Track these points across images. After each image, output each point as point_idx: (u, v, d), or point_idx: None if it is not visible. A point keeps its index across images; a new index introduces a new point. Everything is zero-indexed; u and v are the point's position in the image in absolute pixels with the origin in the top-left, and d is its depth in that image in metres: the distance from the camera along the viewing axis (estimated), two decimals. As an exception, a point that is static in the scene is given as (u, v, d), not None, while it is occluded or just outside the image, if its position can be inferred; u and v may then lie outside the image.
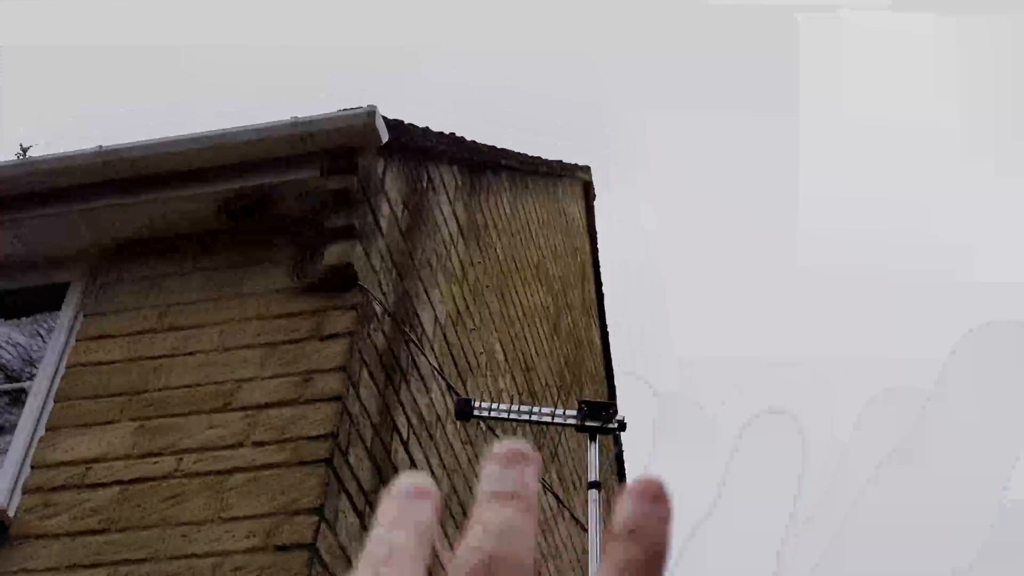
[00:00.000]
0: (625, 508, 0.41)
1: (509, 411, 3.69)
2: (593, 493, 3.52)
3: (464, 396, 5.34)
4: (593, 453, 3.58)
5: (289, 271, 5.06)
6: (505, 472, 0.44)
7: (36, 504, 4.56)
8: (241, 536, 4.26)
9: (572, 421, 3.65)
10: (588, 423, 3.62)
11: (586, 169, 11.01)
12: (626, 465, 11.13)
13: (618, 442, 3.59)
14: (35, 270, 5.53)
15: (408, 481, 0.44)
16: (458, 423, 6.21)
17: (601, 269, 11.49)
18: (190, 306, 5.13)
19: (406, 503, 0.43)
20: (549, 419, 3.71)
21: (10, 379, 5.34)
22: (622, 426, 3.64)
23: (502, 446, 0.44)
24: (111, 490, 4.53)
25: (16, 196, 5.39)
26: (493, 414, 3.68)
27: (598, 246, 11.40)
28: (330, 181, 5.05)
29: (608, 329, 11.57)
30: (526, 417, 3.70)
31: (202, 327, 5.02)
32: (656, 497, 0.41)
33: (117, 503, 4.48)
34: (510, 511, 0.42)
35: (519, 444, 0.44)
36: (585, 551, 9.58)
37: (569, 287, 10.13)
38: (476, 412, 3.65)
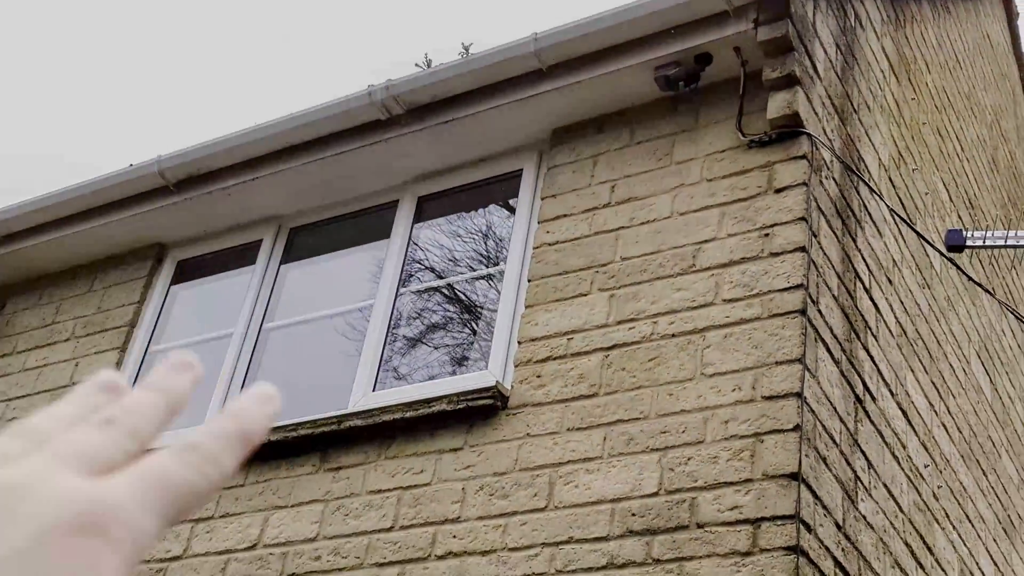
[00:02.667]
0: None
1: (1007, 237, 3.48)
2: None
3: (928, 240, 5.11)
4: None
5: (733, 129, 5.03)
6: (168, 376, 0.51)
7: (528, 376, 4.89)
8: (727, 390, 4.35)
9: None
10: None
11: (1007, -15, 10.09)
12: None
13: None
14: (488, 162, 5.86)
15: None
16: (914, 266, 5.98)
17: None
18: (639, 176, 5.24)
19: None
20: (1052, 241, 3.47)
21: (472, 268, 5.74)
22: None
23: (172, 358, 0.52)
24: (594, 357, 4.76)
25: (457, 96, 5.69)
26: (988, 242, 3.49)
27: (1027, 67, 10.46)
28: (763, 31, 4.94)
29: (1046, 157, 10.65)
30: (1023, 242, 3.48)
31: (654, 195, 5.12)
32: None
33: (601, 369, 4.71)
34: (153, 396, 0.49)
35: (187, 356, 0.52)
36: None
37: (1002, 115, 9.40)
38: (969, 242, 3.48)
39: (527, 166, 5.68)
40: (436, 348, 5.58)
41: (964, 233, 3.51)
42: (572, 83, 5.39)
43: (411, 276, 5.86)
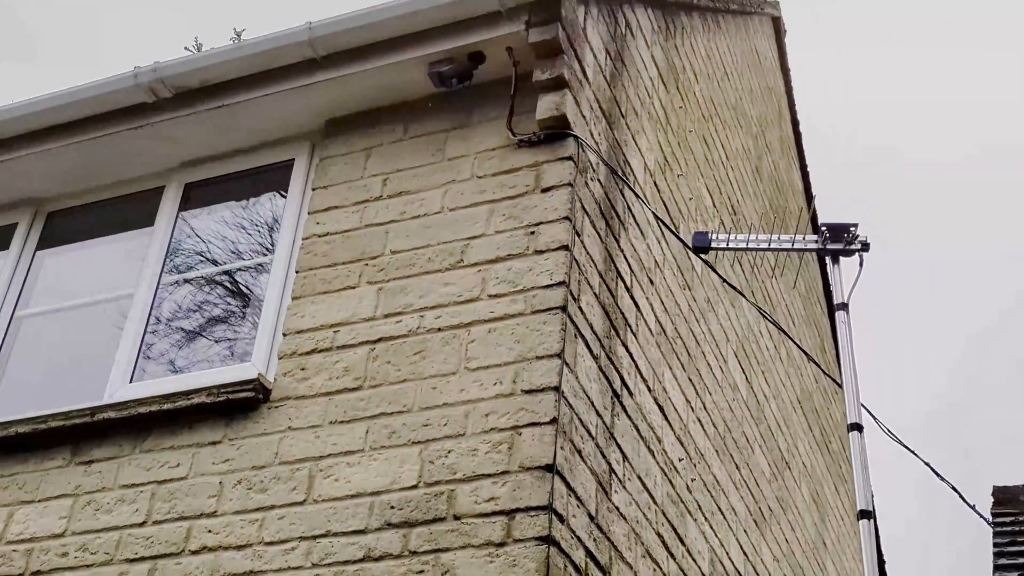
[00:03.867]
0: None
1: (748, 240, 3.67)
2: (842, 315, 3.49)
3: (686, 244, 5.33)
4: (837, 276, 3.54)
5: (504, 127, 5.11)
6: None
7: (292, 368, 4.83)
8: (489, 384, 4.42)
9: (813, 246, 3.61)
10: (830, 246, 3.57)
11: (775, 4, 10.62)
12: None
13: (860, 265, 3.53)
14: (258, 151, 5.75)
15: None
16: (675, 268, 6.22)
17: (797, 108, 11.16)
18: (410, 171, 5.25)
19: None
20: (789, 245, 3.68)
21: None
22: (865, 246, 3.58)
23: None
24: (360, 350, 4.75)
25: (229, 82, 5.57)
26: (732, 245, 3.67)
27: (792, 84, 11.05)
28: (535, 33, 5.04)
29: (808, 170, 11.28)
30: (764, 245, 3.67)
31: (425, 191, 5.14)
32: None
33: (367, 362, 4.70)
34: None
35: None
36: (803, 391, 9.57)
37: (767, 127, 9.89)
38: (714, 244, 3.65)
39: (299, 156, 5.61)
40: (199, 339, 5.44)
41: (709, 235, 3.68)
42: (346, 74, 5.36)
43: (175, 265, 5.69)
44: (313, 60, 5.39)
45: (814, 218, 10.82)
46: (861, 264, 3.60)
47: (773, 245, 3.68)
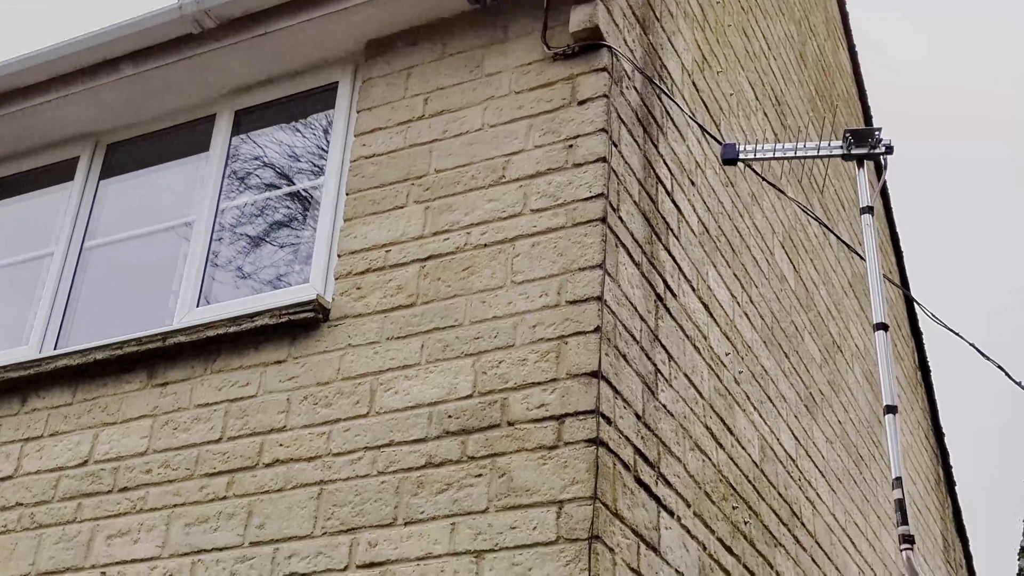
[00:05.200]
0: None
1: (775, 150, 3.78)
2: (867, 218, 3.62)
3: (723, 140, 5.42)
4: (863, 179, 3.65)
5: (538, 42, 5.21)
6: None
7: (348, 288, 5.06)
8: (535, 296, 4.62)
9: (838, 151, 3.72)
10: (855, 151, 3.68)
11: None
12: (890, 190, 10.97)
13: (884, 168, 3.63)
14: (303, 75, 5.91)
15: None
16: (717, 166, 6.33)
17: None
18: (450, 89, 5.38)
19: None
20: (815, 152, 3.79)
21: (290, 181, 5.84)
22: (889, 149, 3.68)
23: None
24: (411, 268, 4.96)
25: (271, 8, 5.71)
26: (759, 155, 3.79)
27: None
28: (564, -54, 5.09)
29: (856, 48, 11.17)
30: (791, 153, 3.79)
31: (465, 108, 5.28)
32: None
33: (418, 279, 4.92)
34: None
35: None
36: (855, 273, 9.65)
37: (811, 10, 9.80)
38: (742, 155, 3.77)
39: (343, 79, 5.76)
40: (258, 263, 5.69)
41: (737, 147, 3.79)
42: (384, -4, 5.46)
43: (231, 191, 5.92)
44: (350, -17, 5.50)
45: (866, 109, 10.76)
46: (884, 167, 3.69)
47: (799, 153, 3.79)
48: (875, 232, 3.59)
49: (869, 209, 3.61)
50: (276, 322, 5.04)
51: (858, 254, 9.50)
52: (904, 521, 3.27)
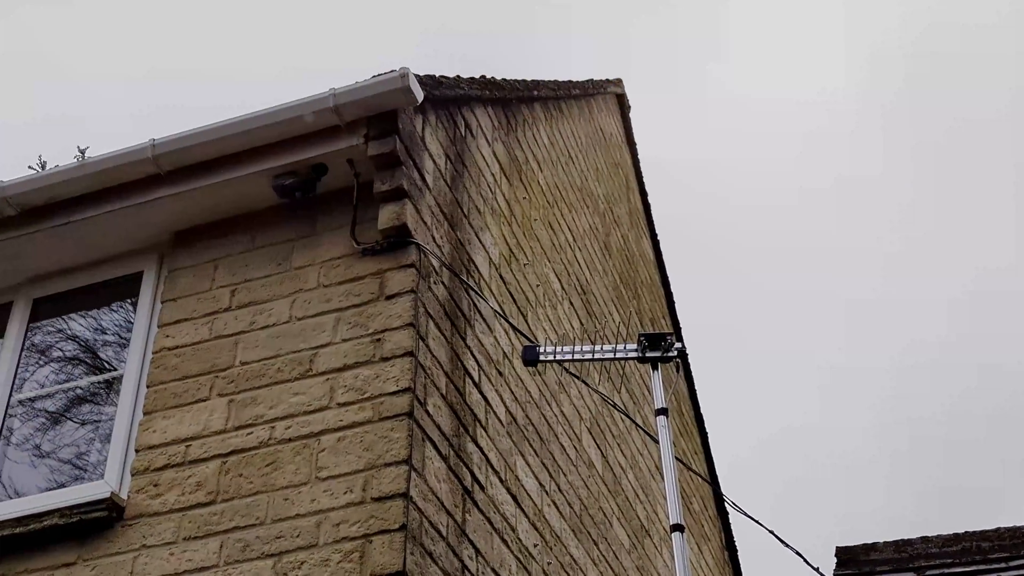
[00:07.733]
0: None
1: (573, 352, 3.91)
2: (661, 419, 3.75)
3: (529, 339, 5.57)
4: (656, 381, 3.80)
5: (347, 237, 5.29)
6: None
7: (145, 485, 4.89)
8: (339, 493, 4.56)
9: (633, 354, 3.87)
10: (649, 354, 3.84)
11: (618, 82, 11.08)
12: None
13: (678, 371, 3.81)
14: (107, 264, 5.81)
15: None
16: (524, 356, 6.46)
17: (644, 177, 11.60)
18: (258, 281, 5.39)
19: None
20: (611, 355, 3.93)
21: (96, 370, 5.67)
22: (682, 354, 3.85)
23: None
24: (212, 464, 4.84)
25: (74, 199, 5.64)
26: (559, 357, 3.91)
27: (639, 155, 11.51)
28: (373, 146, 5.25)
29: (658, 236, 11.73)
30: (589, 356, 3.93)
31: (273, 300, 5.28)
32: None
33: (220, 475, 4.79)
34: None
35: None
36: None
37: (615, 203, 10.29)
38: (542, 357, 3.88)
39: (148, 268, 5.69)
40: (52, 457, 5.44)
41: (537, 348, 3.92)
42: (191, 189, 5.49)
43: (26, 381, 5.70)
44: (157, 175, 5.50)
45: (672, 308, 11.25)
46: (678, 370, 3.86)
47: (597, 356, 3.94)
48: (669, 434, 3.73)
49: (664, 411, 3.75)
50: (66, 522, 4.80)
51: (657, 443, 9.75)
52: None
